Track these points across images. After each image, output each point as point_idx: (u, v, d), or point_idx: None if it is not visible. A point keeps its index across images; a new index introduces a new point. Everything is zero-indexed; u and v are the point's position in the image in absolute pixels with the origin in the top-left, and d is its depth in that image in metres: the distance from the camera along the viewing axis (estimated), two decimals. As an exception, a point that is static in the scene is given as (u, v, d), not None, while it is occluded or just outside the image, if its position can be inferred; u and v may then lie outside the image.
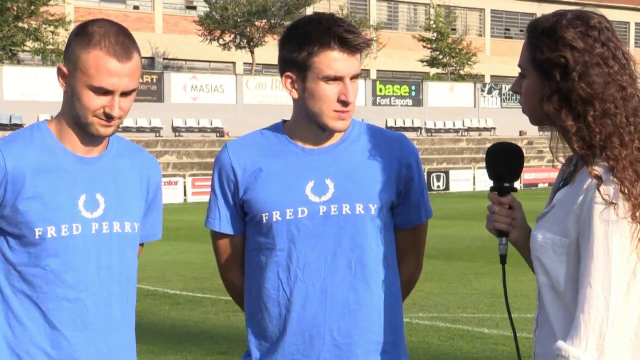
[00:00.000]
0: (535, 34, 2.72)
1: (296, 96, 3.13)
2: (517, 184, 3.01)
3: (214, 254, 3.34)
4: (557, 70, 2.65)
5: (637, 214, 2.56)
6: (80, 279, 3.04)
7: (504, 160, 2.96)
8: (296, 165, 3.15)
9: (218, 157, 3.22)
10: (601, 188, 2.57)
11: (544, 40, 2.68)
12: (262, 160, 3.16)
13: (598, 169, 2.60)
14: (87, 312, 3.05)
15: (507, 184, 2.93)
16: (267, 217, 3.12)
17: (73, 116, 3.04)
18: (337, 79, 3.06)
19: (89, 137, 3.07)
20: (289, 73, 3.13)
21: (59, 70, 3.05)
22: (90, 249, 3.05)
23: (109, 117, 2.99)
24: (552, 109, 2.67)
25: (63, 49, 44.49)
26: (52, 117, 3.20)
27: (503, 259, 2.94)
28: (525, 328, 9.69)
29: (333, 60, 3.04)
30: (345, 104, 3.07)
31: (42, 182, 3.01)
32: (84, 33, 3.01)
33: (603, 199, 2.56)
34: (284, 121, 3.26)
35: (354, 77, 3.09)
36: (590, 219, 2.58)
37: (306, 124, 3.15)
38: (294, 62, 3.09)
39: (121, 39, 3.01)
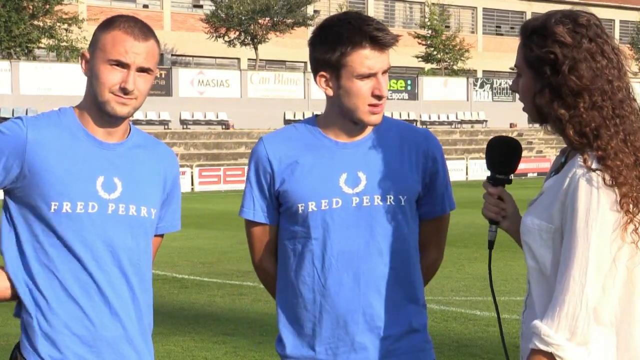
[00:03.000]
0: (527, 34, 2.73)
1: (331, 94, 3.13)
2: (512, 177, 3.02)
3: (248, 243, 3.33)
4: (547, 65, 2.65)
5: (624, 204, 2.57)
6: (92, 256, 3.03)
7: (501, 153, 2.99)
8: (330, 158, 3.16)
9: (255, 150, 3.23)
10: (593, 174, 2.57)
11: (534, 39, 2.69)
12: (298, 153, 3.17)
13: (590, 158, 2.60)
14: (97, 288, 3.04)
15: (500, 176, 2.96)
16: (303, 208, 3.13)
17: (92, 97, 3.05)
18: (371, 75, 3.07)
19: (107, 119, 3.07)
20: (323, 72, 3.12)
21: (82, 56, 3.09)
22: (104, 228, 3.04)
23: (125, 92, 3.00)
24: (543, 101, 2.68)
25: (76, 46, 44.42)
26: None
27: (491, 245, 3.00)
28: (515, 310, 9.71)
29: (366, 58, 3.05)
30: (379, 97, 3.08)
31: (62, 159, 3.01)
32: (103, 24, 3.09)
33: (592, 185, 2.57)
34: (316, 116, 3.26)
35: (385, 72, 3.11)
36: (573, 206, 2.59)
37: (339, 119, 3.16)
38: (328, 62, 3.09)
39: (140, 24, 3.07)
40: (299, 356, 3.19)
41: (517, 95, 2.82)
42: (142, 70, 3.03)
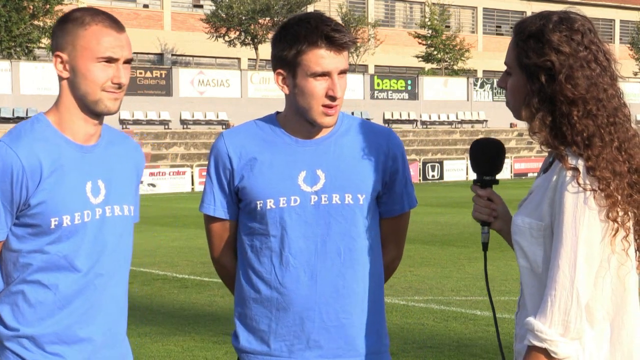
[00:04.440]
0: (522, 37, 2.72)
1: (287, 92, 3.15)
2: (501, 176, 3.03)
3: (207, 238, 3.35)
4: (543, 73, 2.66)
5: (612, 212, 2.59)
6: (90, 263, 3.02)
7: (485, 155, 3.01)
8: (289, 155, 3.16)
9: (215, 145, 3.23)
10: (580, 180, 2.58)
11: (530, 44, 2.69)
12: (257, 150, 3.17)
13: (573, 163, 2.61)
14: (93, 293, 3.04)
15: (487, 177, 2.98)
16: (261, 205, 3.13)
17: (78, 99, 3.00)
18: (325, 74, 3.06)
19: (92, 119, 3.03)
20: (280, 70, 3.14)
21: (58, 58, 3.01)
22: (98, 233, 3.04)
23: (119, 87, 2.98)
24: (528, 113, 2.70)
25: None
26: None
27: (485, 247, 3.00)
28: (515, 310, 9.70)
29: (320, 57, 3.05)
30: (332, 98, 3.08)
31: (54, 174, 2.97)
32: (71, 19, 3.01)
33: (583, 188, 2.58)
34: (277, 113, 3.27)
35: (342, 73, 3.10)
36: (562, 203, 2.60)
37: (296, 118, 3.16)
38: (284, 60, 3.11)
39: (108, 16, 3.03)
40: (253, 351, 3.20)
41: None
42: (127, 61, 3.02)
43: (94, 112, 3.02)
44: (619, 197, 2.59)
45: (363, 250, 3.18)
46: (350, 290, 3.16)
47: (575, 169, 2.59)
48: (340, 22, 3.16)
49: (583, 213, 2.58)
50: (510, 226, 2.84)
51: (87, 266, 3.02)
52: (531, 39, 2.69)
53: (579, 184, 2.58)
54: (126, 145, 3.22)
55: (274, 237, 3.14)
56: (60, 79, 3.02)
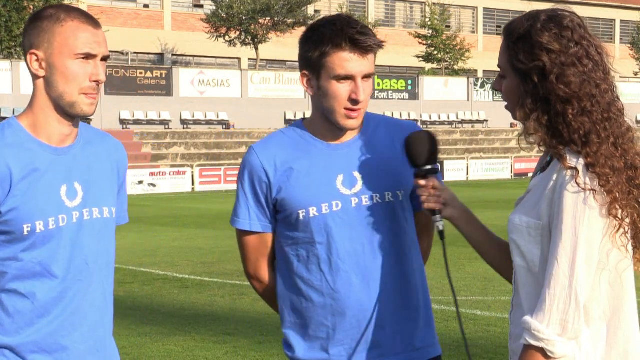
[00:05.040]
0: (512, 39, 2.72)
1: (312, 94, 3.14)
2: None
3: (242, 253, 3.29)
4: (535, 73, 2.66)
5: (612, 209, 2.58)
6: (68, 268, 2.93)
7: (418, 147, 3.01)
8: (324, 161, 3.15)
9: (247, 160, 3.19)
10: (579, 179, 2.58)
11: (520, 46, 2.68)
12: (291, 159, 3.15)
13: (572, 162, 2.61)
14: (73, 300, 2.95)
15: (427, 167, 3.00)
16: (304, 214, 3.12)
17: (53, 99, 2.91)
18: (349, 78, 3.05)
19: (67, 120, 2.95)
20: (305, 71, 3.13)
21: (33, 56, 2.90)
22: (75, 237, 2.94)
23: (97, 84, 2.89)
24: (523, 114, 2.69)
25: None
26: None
27: (441, 235, 3.01)
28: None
29: (344, 60, 3.03)
30: (355, 102, 3.07)
31: (26, 179, 2.87)
32: (45, 16, 2.92)
33: (582, 188, 2.57)
34: (303, 119, 3.26)
35: (366, 77, 3.08)
36: (561, 202, 2.59)
37: (323, 121, 3.15)
38: (309, 62, 3.09)
39: (82, 12, 2.96)
40: (313, 359, 3.19)
41: None
42: (104, 59, 2.94)
43: (69, 114, 2.93)
44: (619, 194, 2.59)
45: (408, 246, 3.21)
46: (401, 286, 3.18)
47: (574, 169, 2.59)
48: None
49: (583, 213, 2.57)
50: (463, 212, 2.92)
51: (64, 272, 2.92)
52: (521, 41, 2.68)
53: (577, 184, 2.58)
54: (105, 145, 3.11)
55: (320, 244, 3.13)
56: (36, 77, 2.92)
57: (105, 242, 3.04)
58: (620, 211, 2.59)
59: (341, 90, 3.06)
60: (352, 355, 3.16)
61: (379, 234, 3.15)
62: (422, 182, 2.99)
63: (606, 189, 2.58)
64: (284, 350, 3.27)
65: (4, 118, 42.33)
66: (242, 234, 3.25)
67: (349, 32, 3.03)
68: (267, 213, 3.20)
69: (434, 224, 3.01)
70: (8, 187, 2.85)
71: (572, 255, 2.57)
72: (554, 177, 2.64)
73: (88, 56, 2.89)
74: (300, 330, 3.21)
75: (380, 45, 3.10)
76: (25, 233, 2.87)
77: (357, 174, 3.15)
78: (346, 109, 3.07)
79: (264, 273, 3.29)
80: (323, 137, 3.17)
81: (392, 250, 3.16)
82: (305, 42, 3.11)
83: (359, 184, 3.14)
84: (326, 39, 3.04)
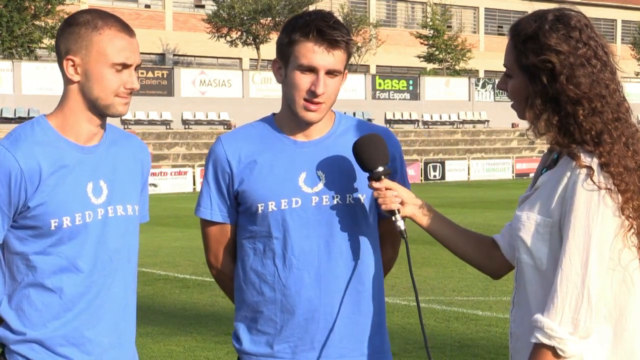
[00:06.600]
0: (519, 39, 2.70)
1: (280, 82, 3.15)
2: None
3: (203, 242, 3.32)
4: (544, 74, 2.65)
5: (626, 208, 2.58)
6: (94, 263, 3.01)
7: (367, 151, 3.02)
8: (289, 157, 3.14)
9: (213, 150, 3.21)
10: (594, 178, 2.57)
11: (528, 46, 2.67)
12: (256, 153, 3.16)
13: (587, 161, 2.60)
14: (97, 295, 3.03)
15: (379, 169, 3.00)
16: (262, 208, 3.12)
17: (88, 101, 2.98)
18: (311, 70, 3.05)
19: (97, 120, 3.03)
20: (276, 58, 3.15)
21: (69, 62, 2.97)
22: (101, 234, 3.03)
23: (130, 92, 2.99)
24: (533, 114, 2.68)
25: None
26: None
27: (402, 234, 3.00)
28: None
29: (309, 50, 3.03)
30: (313, 94, 3.05)
31: (54, 176, 2.96)
32: (82, 22, 2.97)
33: (598, 187, 2.57)
34: (274, 113, 3.26)
35: (331, 73, 3.06)
36: (575, 201, 2.59)
37: (289, 113, 3.14)
38: (280, 49, 3.12)
39: (118, 19, 3.02)
40: (256, 353, 3.20)
41: None
42: (137, 67, 3.03)
43: (104, 115, 3.02)
44: (632, 193, 2.59)
45: (365, 250, 3.18)
46: (354, 290, 3.16)
47: (589, 167, 2.58)
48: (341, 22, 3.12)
49: (597, 211, 2.57)
50: (423, 210, 2.95)
51: (90, 267, 3.01)
52: (529, 41, 2.67)
53: (593, 181, 2.57)
54: (130, 145, 3.20)
55: (276, 239, 3.13)
56: (70, 82, 3.00)
57: (128, 239, 3.12)
58: (632, 212, 2.59)
59: (302, 80, 3.05)
60: (296, 353, 3.15)
61: (337, 235, 3.13)
62: (375, 184, 3.00)
63: (620, 189, 2.57)
64: (232, 342, 3.27)
65: (6, 119, 42.43)
66: (204, 223, 3.27)
67: (318, 24, 3.03)
68: (229, 204, 3.20)
69: (394, 224, 3.01)
70: (37, 182, 2.93)
71: (585, 254, 2.56)
72: (567, 174, 2.62)
73: (124, 65, 2.97)
74: (249, 324, 3.21)
75: (348, 42, 3.08)
76: (53, 228, 2.95)
77: (320, 173, 3.14)
78: (305, 100, 3.06)
79: (224, 263, 3.29)
80: (290, 132, 3.17)
81: (348, 252, 3.14)
82: (282, 31, 3.13)
83: (321, 184, 3.13)
84: (297, 28, 3.05)
